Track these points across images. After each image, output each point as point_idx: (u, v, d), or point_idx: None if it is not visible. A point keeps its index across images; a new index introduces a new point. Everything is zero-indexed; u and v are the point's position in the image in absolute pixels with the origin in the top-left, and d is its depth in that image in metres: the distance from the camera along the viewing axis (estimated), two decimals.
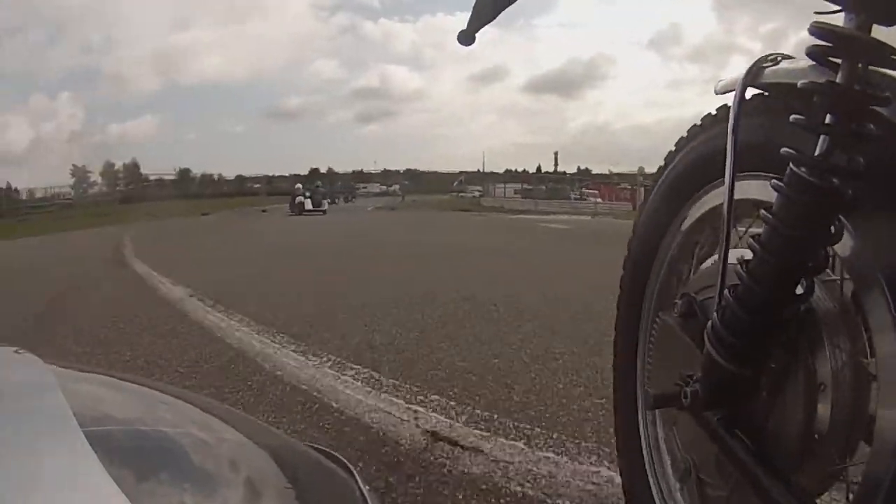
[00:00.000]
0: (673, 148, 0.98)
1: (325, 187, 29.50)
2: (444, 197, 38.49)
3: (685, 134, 0.96)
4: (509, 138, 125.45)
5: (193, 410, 0.42)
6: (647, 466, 0.99)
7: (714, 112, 0.89)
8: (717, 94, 0.84)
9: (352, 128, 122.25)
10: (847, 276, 0.66)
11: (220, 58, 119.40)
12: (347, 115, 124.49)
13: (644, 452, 1.01)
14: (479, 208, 22.25)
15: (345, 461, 0.45)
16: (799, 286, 0.64)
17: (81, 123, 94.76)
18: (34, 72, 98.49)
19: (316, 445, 0.48)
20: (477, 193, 36.93)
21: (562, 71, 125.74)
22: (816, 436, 0.63)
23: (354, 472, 0.43)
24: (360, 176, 75.65)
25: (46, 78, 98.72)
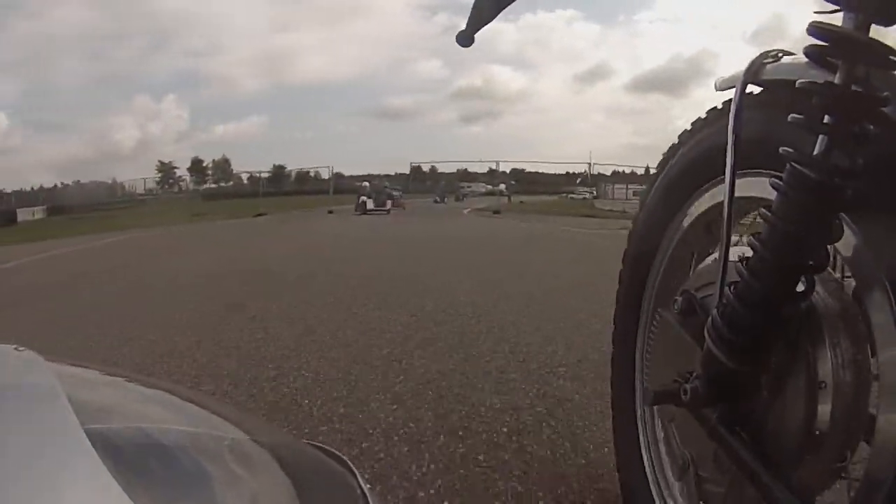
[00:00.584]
0: (676, 141, 0.97)
1: (398, 187, 27.36)
2: (552, 198, 35.74)
3: (688, 128, 0.95)
4: (615, 139, 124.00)
5: (194, 408, 0.41)
6: (644, 462, 0.99)
7: (720, 107, 0.88)
8: (717, 90, 0.83)
9: (455, 127, 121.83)
10: (849, 275, 0.66)
11: (322, 58, 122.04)
12: (451, 115, 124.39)
13: (642, 448, 1.01)
14: (599, 213, 18.09)
15: (345, 459, 0.45)
16: (800, 284, 0.64)
17: (187, 124, 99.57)
18: (139, 75, 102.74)
19: (317, 443, 0.48)
20: (588, 195, 34.91)
21: (665, 68, 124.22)
22: (816, 434, 0.63)
23: (355, 470, 0.43)
24: (465, 175, 76.55)
25: (151, 81, 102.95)
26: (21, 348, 0.37)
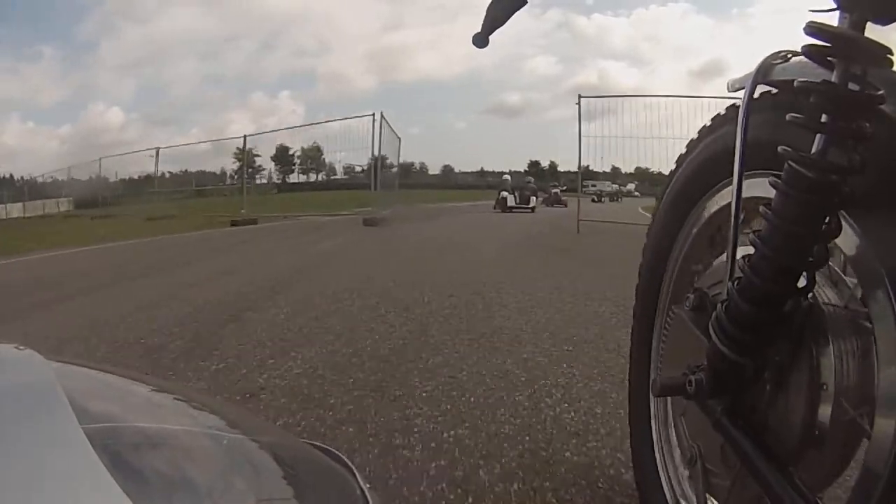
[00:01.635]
0: (695, 137, 0.98)
1: (554, 182, 25.29)
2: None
3: (702, 128, 0.96)
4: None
5: (193, 408, 0.42)
6: (656, 453, 1.01)
7: (723, 112, 0.89)
8: (729, 91, 0.83)
9: (571, 125, 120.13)
10: (851, 272, 0.65)
11: (435, 56, 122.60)
12: (566, 112, 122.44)
13: (654, 439, 1.03)
14: None
15: (345, 459, 0.45)
16: (800, 280, 0.64)
17: (302, 119, 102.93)
18: (252, 74, 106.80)
19: (316, 443, 0.48)
20: None
21: None
22: (819, 428, 0.63)
23: (354, 469, 0.43)
24: (588, 173, 76.70)
25: (265, 80, 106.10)
26: (21, 348, 0.37)
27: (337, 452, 0.45)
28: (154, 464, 0.32)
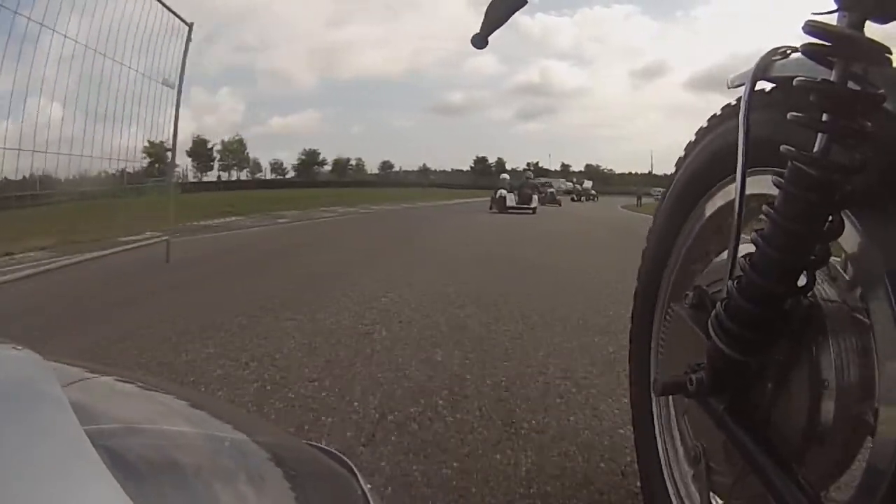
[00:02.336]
0: (692, 140, 0.99)
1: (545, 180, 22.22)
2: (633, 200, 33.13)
3: (703, 127, 0.97)
4: (673, 138, 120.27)
5: (194, 408, 0.42)
6: (660, 451, 1.02)
7: (719, 112, 0.90)
8: (729, 87, 0.83)
9: (512, 124, 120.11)
10: (852, 271, 0.65)
11: (379, 54, 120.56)
12: (508, 112, 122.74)
13: (657, 438, 1.03)
14: None
15: (346, 459, 0.45)
16: (801, 278, 0.64)
17: (242, 116, 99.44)
18: (194, 68, 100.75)
19: (317, 444, 0.48)
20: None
21: (724, 67, 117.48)
22: (820, 426, 0.63)
23: (355, 470, 0.43)
24: (539, 171, 70.46)
25: (205, 74, 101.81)
26: (21, 348, 0.37)
27: (337, 453, 0.45)
28: (154, 464, 0.31)
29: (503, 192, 17.41)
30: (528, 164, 77.13)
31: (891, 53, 0.59)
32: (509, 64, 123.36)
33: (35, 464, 0.26)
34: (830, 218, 0.61)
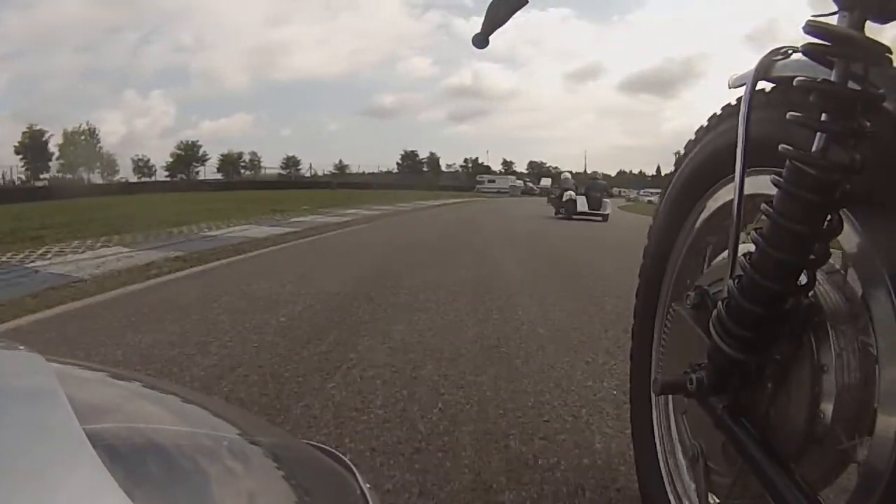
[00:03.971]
0: (692, 138, 0.99)
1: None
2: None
3: (702, 126, 0.97)
4: (606, 139, 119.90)
5: (194, 408, 0.42)
6: (658, 451, 1.02)
7: (719, 111, 0.90)
8: (730, 87, 0.84)
9: (444, 126, 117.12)
10: (852, 270, 0.65)
11: (313, 55, 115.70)
12: (440, 114, 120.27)
13: (656, 436, 1.03)
14: None
15: (345, 459, 0.45)
16: (801, 278, 0.64)
17: (174, 120, 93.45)
18: (128, 70, 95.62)
19: (316, 444, 0.48)
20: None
21: (658, 69, 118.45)
22: (820, 426, 0.63)
23: (355, 469, 0.43)
24: (480, 168, 69.53)
25: (140, 76, 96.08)
26: (21, 348, 0.37)
27: (337, 452, 0.45)
28: (154, 464, 0.31)
29: (572, 193, 14.52)
30: (466, 161, 74.78)
31: (891, 53, 0.59)
32: (442, 66, 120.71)
33: (35, 463, 0.26)
34: (830, 217, 0.61)
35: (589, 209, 13.96)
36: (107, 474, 0.26)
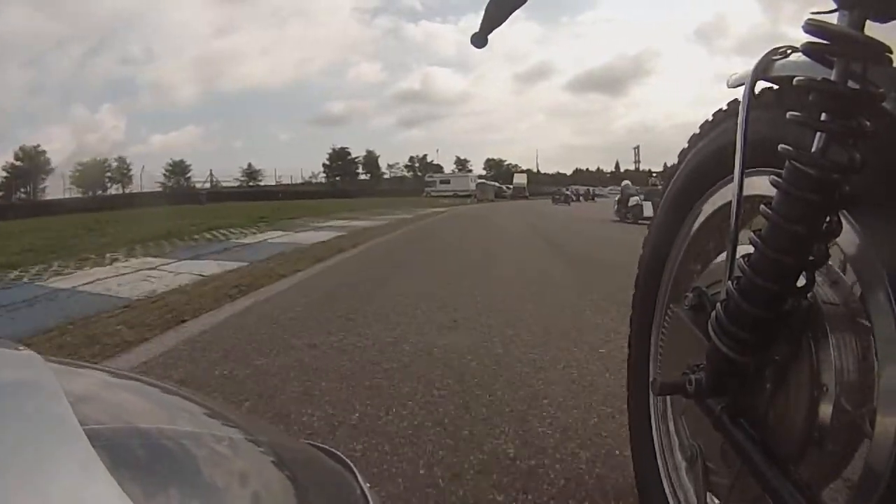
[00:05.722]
0: (696, 133, 0.98)
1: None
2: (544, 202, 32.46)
3: (700, 127, 0.97)
4: (558, 139, 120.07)
5: (193, 408, 0.42)
6: (656, 452, 1.02)
7: (724, 108, 0.89)
8: (729, 87, 0.83)
9: (394, 132, 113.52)
10: (851, 271, 0.65)
11: (263, 64, 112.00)
12: (390, 120, 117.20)
13: (654, 438, 1.03)
14: None
15: (345, 459, 0.45)
16: (800, 279, 0.64)
17: (123, 134, 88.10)
18: (76, 84, 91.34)
19: (317, 443, 0.48)
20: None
21: (607, 68, 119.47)
22: (819, 428, 0.63)
23: (355, 469, 0.43)
24: (430, 167, 64.16)
25: (87, 90, 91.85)
26: (21, 348, 0.37)
27: (337, 452, 0.46)
28: (154, 464, 0.31)
29: (638, 199, 14.49)
30: (412, 159, 68.80)
31: (891, 52, 0.59)
32: (392, 71, 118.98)
33: (35, 464, 0.26)
34: (829, 218, 0.61)
35: (654, 214, 13.72)
36: (107, 474, 0.26)
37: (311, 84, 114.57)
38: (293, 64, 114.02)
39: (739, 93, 0.78)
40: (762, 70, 0.75)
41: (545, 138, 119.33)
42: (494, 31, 1.00)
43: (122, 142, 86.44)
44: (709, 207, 0.93)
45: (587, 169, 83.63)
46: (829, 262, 0.66)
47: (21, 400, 0.30)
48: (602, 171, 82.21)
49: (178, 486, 0.31)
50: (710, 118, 0.94)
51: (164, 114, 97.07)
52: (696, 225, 0.97)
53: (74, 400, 0.30)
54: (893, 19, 0.60)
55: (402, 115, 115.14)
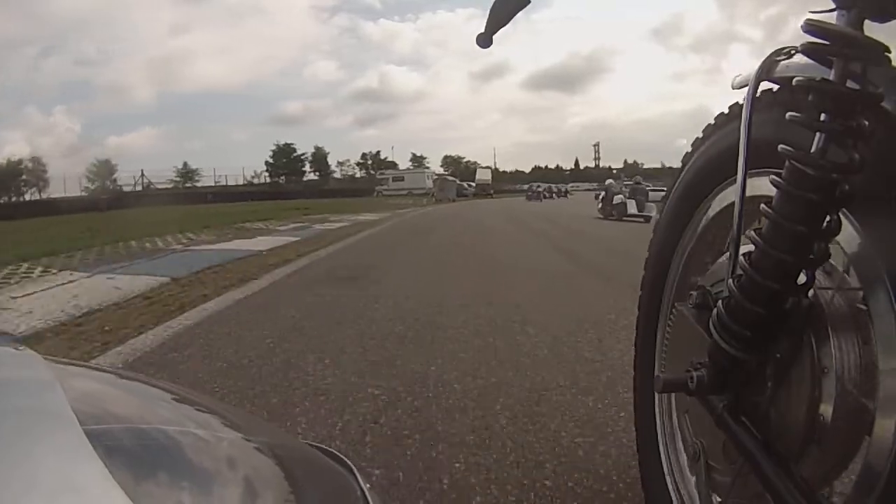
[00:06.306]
0: (700, 136, 0.99)
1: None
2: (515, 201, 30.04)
3: (701, 133, 0.97)
4: (514, 136, 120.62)
5: (193, 408, 0.42)
6: (660, 449, 1.03)
7: (727, 111, 0.90)
8: (733, 88, 0.84)
9: (351, 131, 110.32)
10: (851, 270, 0.65)
11: (219, 63, 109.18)
12: (346, 119, 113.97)
13: (658, 435, 1.04)
14: None
15: (345, 459, 0.45)
16: (801, 277, 0.64)
17: (79, 137, 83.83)
18: (29, 86, 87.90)
19: (317, 444, 0.48)
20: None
21: (563, 65, 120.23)
22: (820, 426, 0.63)
23: (355, 470, 0.43)
24: (384, 163, 59.71)
25: (41, 92, 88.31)
26: (21, 348, 0.37)
27: (337, 452, 0.46)
28: (154, 464, 0.32)
29: (622, 197, 15.13)
30: (364, 156, 65.09)
31: (890, 52, 0.59)
32: (348, 70, 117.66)
33: (35, 464, 0.26)
34: (829, 217, 0.61)
35: (638, 212, 14.52)
36: (106, 474, 0.26)
37: (268, 83, 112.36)
38: (250, 63, 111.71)
39: (742, 94, 0.78)
40: (765, 72, 0.75)
41: (502, 136, 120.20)
42: (466, 29, 1.00)
43: (77, 145, 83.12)
44: (714, 207, 0.94)
45: (546, 166, 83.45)
46: (830, 261, 0.66)
47: (21, 400, 0.30)
48: (561, 168, 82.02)
49: (177, 486, 0.31)
50: (713, 122, 0.95)
51: (122, 115, 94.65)
52: (701, 226, 0.97)
53: (74, 400, 0.31)
54: (892, 19, 0.60)
55: (359, 114, 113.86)
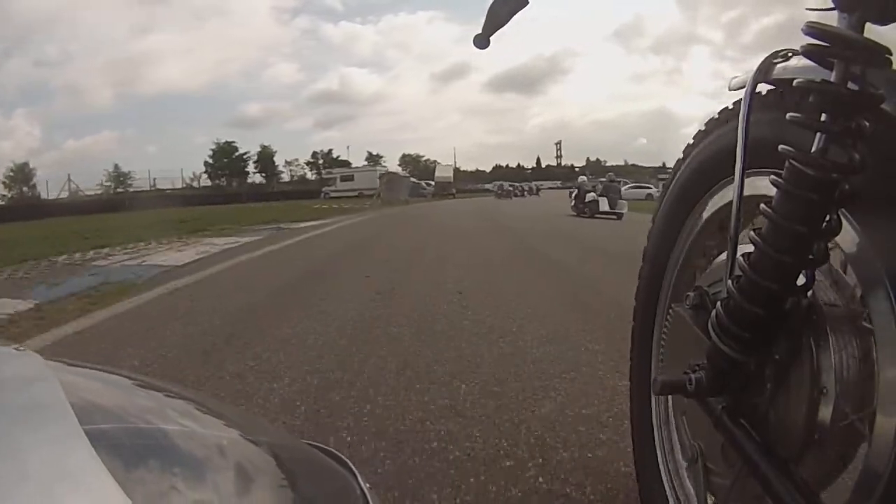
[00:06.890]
0: (691, 142, 0.99)
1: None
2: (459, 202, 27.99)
3: (702, 129, 0.97)
4: (474, 137, 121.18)
5: (194, 408, 0.42)
6: (657, 451, 1.02)
7: (729, 108, 0.90)
8: (730, 90, 0.84)
9: (311, 133, 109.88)
10: (851, 270, 0.66)
11: (180, 65, 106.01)
12: (306, 121, 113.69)
13: (655, 437, 1.04)
14: None
15: (345, 459, 0.45)
16: (800, 278, 0.64)
17: (39, 141, 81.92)
18: None
19: (316, 444, 0.48)
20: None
21: (525, 67, 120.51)
22: (819, 428, 0.63)
23: (355, 470, 0.43)
24: (336, 162, 55.81)
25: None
26: (21, 348, 0.37)
27: (337, 453, 0.45)
28: (154, 465, 0.32)
29: (594, 194, 15.24)
30: (316, 154, 61.59)
31: (890, 54, 0.59)
32: (309, 72, 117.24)
33: (35, 464, 0.26)
34: (828, 217, 0.61)
35: (610, 209, 14.70)
36: (107, 474, 0.26)
37: (228, 85, 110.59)
38: (210, 65, 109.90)
39: (738, 95, 0.78)
40: (763, 73, 0.75)
41: (461, 137, 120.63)
42: (463, 31, 1.00)
43: (38, 148, 79.60)
44: (711, 207, 0.94)
45: (507, 165, 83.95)
46: (830, 262, 0.66)
47: (21, 401, 0.30)
48: (522, 167, 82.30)
49: (177, 486, 0.31)
50: (715, 118, 0.94)
51: (81, 118, 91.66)
52: (698, 225, 0.97)
53: (74, 400, 0.30)
54: (893, 21, 0.60)
55: (319, 116, 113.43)
